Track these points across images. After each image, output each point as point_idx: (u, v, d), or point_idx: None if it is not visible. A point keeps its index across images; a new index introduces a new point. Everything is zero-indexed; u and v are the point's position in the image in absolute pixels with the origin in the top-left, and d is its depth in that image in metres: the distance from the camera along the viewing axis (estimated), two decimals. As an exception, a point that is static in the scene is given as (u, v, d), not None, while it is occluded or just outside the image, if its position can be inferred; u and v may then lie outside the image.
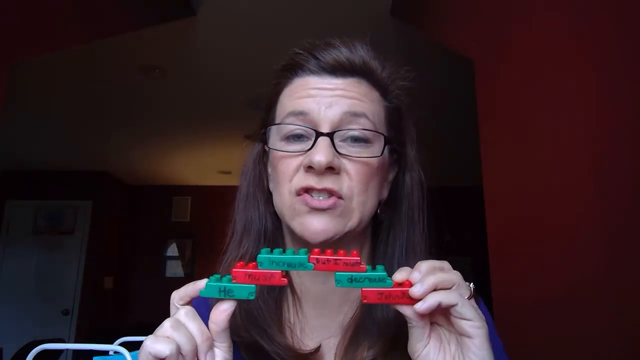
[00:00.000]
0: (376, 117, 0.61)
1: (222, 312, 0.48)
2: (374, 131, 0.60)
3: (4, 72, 1.80)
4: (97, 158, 5.18)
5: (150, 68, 3.24)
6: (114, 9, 2.28)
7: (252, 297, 0.47)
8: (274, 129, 0.62)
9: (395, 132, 0.64)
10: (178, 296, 0.49)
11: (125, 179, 5.97)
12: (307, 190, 0.57)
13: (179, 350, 0.45)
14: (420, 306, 0.45)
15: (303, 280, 0.63)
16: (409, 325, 0.49)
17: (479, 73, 1.86)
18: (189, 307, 0.48)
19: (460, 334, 0.48)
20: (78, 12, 2.08)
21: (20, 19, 1.82)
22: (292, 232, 0.61)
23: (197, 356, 0.47)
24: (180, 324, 0.47)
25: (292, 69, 0.63)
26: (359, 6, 2.60)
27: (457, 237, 5.14)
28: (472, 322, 0.46)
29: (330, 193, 0.57)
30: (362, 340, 0.59)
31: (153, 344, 0.44)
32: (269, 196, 0.66)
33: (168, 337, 0.45)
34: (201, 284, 0.48)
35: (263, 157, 0.68)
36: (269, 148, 0.62)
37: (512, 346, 0.66)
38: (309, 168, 0.57)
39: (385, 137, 0.60)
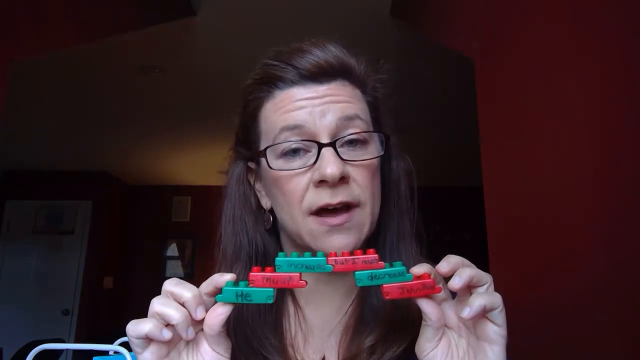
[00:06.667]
0: (366, 115, 0.61)
1: (217, 316, 0.47)
2: (373, 131, 0.60)
3: (4, 71, 1.80)
4: (97, 158, 5.18)
5: (150, 68, 3.24)
6: (114, 9, 2.28)
7: (270, 301, 0.46)
8: (267, 151, 0.59)
9: (379, 125, 0.64)
10: (204, 286, 0.49)
11: (125, 179, 5.96)
12: (323, 208, 0.56)
13: (163, 325, 0.46)
14: (468, 313, 0.44)
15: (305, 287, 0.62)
16: (423, 323, 0.48)
17: (478, 72, 1.86)
18: (174, 278, 0.49)
19: (479, 339, 0.47)
20: (78, 12, 2.08)
21: (21, 19, 1.82)
22: (298, 246, 0.60)
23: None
24: (168, 297, 0.47)
25: (270, 82, 0.60)
26: (359, 6, 2.60)
27: (458, 237, 5.15)
28: (500, 328, 0.46)
29: (345, 205, 0.56)
30: (363, 331, 0.58)
31: (134, 327, 0.46)
32: (257, 215, 0.65)
33: (152, 316, 0.46)
34: (227, 276, 0.48)
35: (247, 175, 0.66)
36: (271, 168, 0.58)
37: (513, 346, 0.65)
38: (320, 182, 0.55)
39: (384, 135, 0.60)
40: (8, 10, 1.74)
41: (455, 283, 0.45)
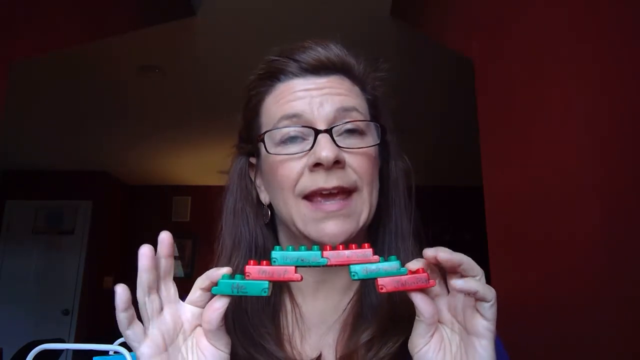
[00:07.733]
0: (363, 110, 0.62)
1: (214, 310, 0.48)
2: (370, 120, 0.61)
3: (4, 71, 1.81)
4: (97, 158, 5.18)
5: (150, 68, 3.24)
6: (115, 9, 2.28)
7: (265, 294, 0.47)
8: (266, 136, 0.61)
9: (378, 122, 0.65)
10: (200, 280, 0.50)
11: (125, 179, 5.96)
12: (317, 192, 0.56)
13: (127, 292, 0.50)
14: (461, 285, 0.45)
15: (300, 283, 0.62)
16: (416, 319, 0.48)
17: (478, 72, 1.86)
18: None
19: (469, 333, 0.47)
20: (78, 12, 2.08)
21: (21, 19, 1.82)
22: (295, 238, 0.60)
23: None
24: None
25: (272, 76, 0.62)
26: (359, 6, 2.60)
27: (458, 237, 5.15)
28: (489, 323, 0.46)
29: (340, 190, 0.56)
30: (360, 327, 0.59)
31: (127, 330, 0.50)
32: (258, 209, 0.66)
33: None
34: (222, 270, 0.48)
35: (248, 170, 0.68)
36: (268, 153, 0.60)
37: (513, 346, 0.66)
38: (315, 166, 0.56)
39: (380, 125, 0.62)
40: (8, 10, 1.74)
41: (441, 253, 0.46)
